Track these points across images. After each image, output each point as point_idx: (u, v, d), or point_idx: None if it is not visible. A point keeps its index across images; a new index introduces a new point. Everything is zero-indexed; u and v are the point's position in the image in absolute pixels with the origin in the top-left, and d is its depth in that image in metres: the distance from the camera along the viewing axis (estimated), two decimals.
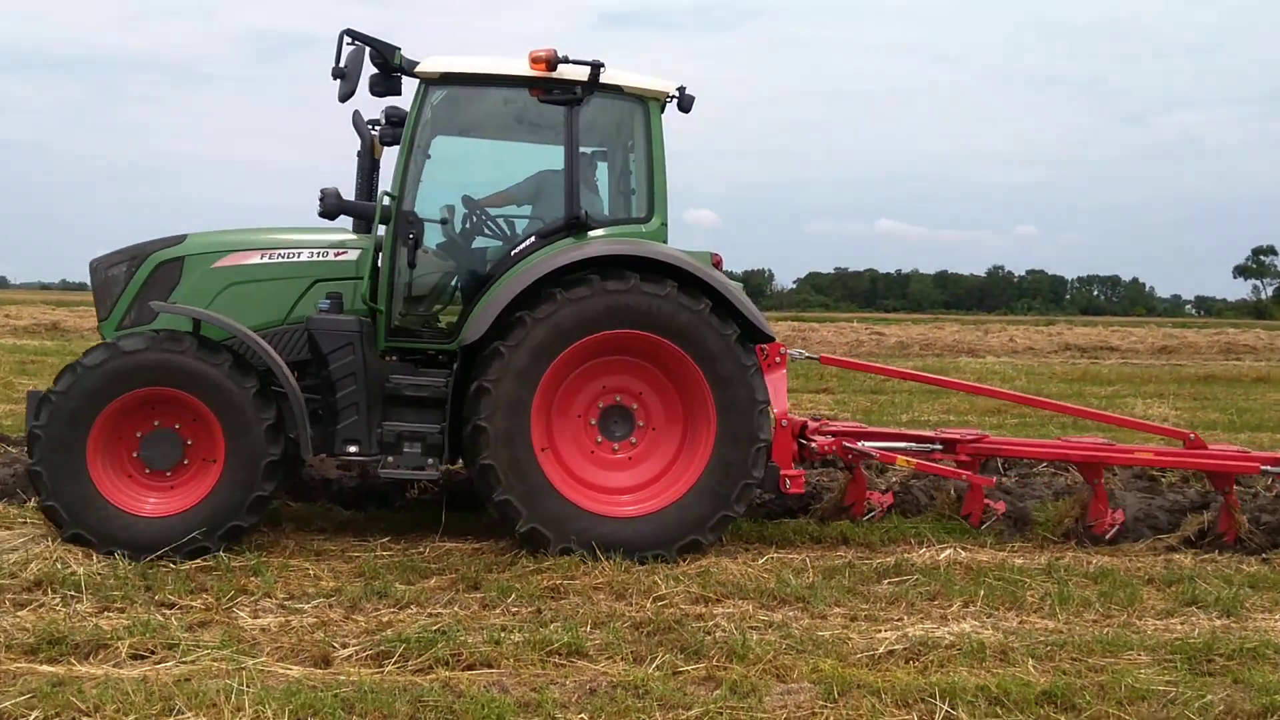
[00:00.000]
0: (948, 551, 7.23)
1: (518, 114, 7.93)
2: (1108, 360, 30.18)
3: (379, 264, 7.44)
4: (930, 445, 8.27)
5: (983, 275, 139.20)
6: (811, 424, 8.34)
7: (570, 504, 7.05)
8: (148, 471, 6.83)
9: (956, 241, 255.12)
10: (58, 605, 5.67)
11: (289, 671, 4.86)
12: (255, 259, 7.69)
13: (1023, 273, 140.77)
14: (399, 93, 7.65)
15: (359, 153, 8.22)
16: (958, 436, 8.25)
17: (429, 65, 7.47)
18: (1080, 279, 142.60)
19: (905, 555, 7.17)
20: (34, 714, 4.22)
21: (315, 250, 7.69)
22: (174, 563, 6.41)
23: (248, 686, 4.54)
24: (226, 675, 4.71)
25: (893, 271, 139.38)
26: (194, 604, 5.78)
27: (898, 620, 5.84)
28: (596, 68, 7.37)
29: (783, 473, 7.55)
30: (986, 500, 8.18)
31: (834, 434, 8.21)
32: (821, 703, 4.67)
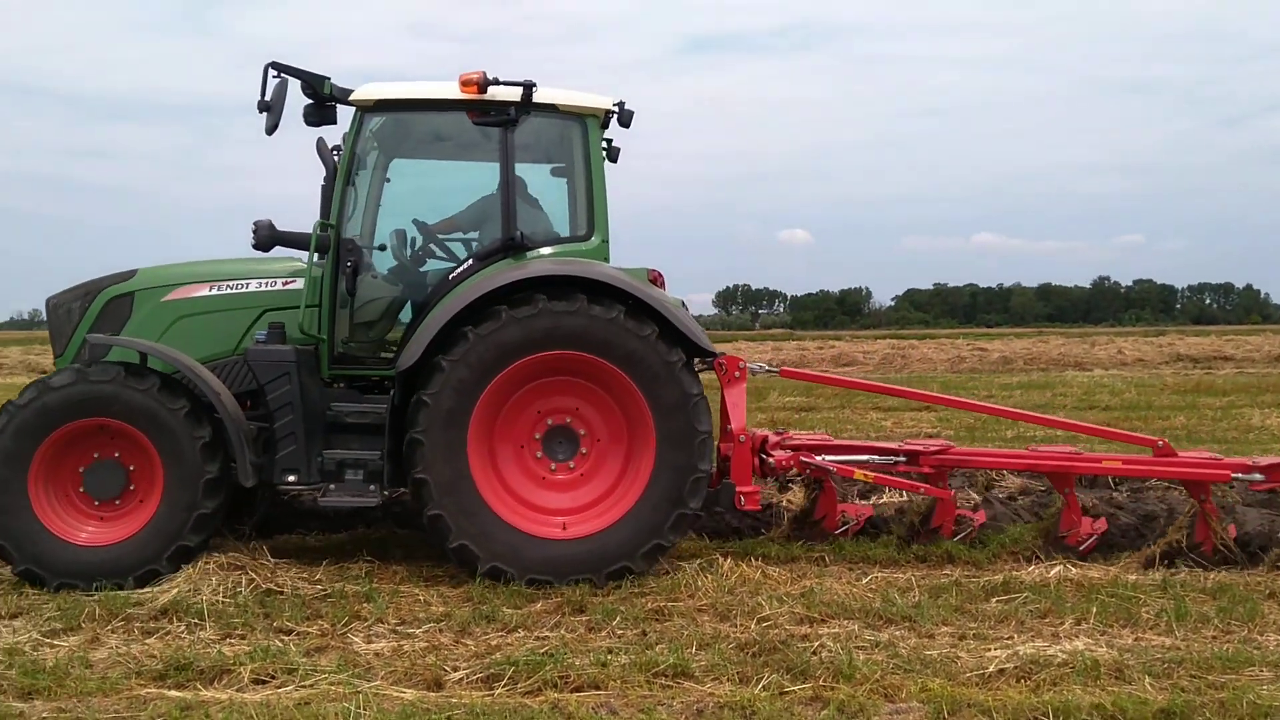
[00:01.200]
0: (1057, 568, 7.09)
1: (457, 137, 7.93)
2: (1222, 370, 29.23)
3: (323, 292, 7.46)
4: (894, 458, 8.10)
5: (1087, 287, 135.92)
6: (773, 437, 8.20)
7: (504, 524, 6.98)
8: (81, 491, 7.02)
9: (1057, 253, 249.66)
10: (183, 632, 5.90)
11: (403, 694, 4.98)
12: (204, 291, 7.79)
13: (1129, 283, 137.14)
14: (334, 121, 7.67)
15: (324, 179, 8.07)
16: (921, 448, 8.08)
17: (363, 93, 7.54)
18: (1191, 287, 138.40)
19: (1013, 573, 7.05)
20: None
21: (264, 280, 7.77)
22: (293, 591, 6.61)
23: (364, 709, 4.67)
24: (344, 699, 4.85)
25: (994, 285, 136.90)
26: (310, 630, 5.95)
27: (1008, 639, 5.75)
28: (529, 88, 7.39)
29: (738, 490, 7.38)
30: (963, 511, 8.06)
31: (793, 448, 8.05)
32: None
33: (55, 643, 5.74)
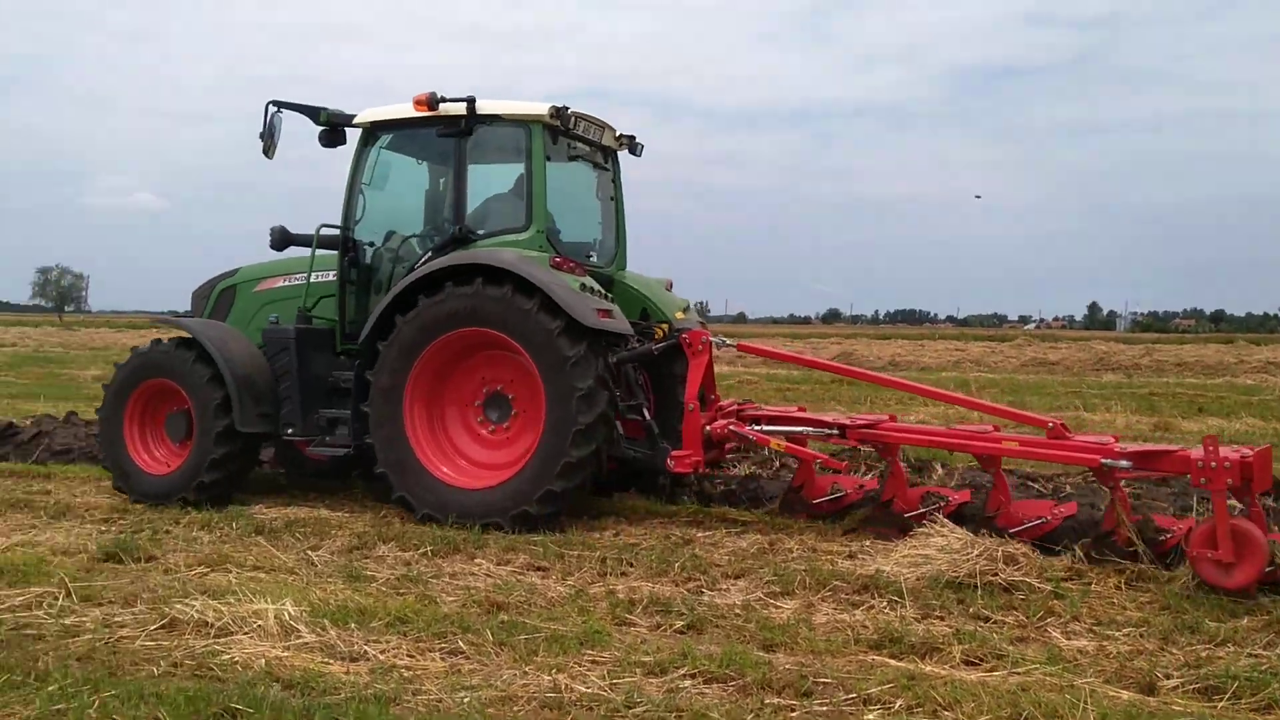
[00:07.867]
0: None
1: (444, 147, 9.11)
2: None
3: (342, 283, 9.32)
4: (828, 430, 8.36)
5: None
6: (729, 408, 8.87)
7: (433, 477, 8.43)
8: (163, 432, 9.52)
9: None
10: (885, 609, 6.36)
11: (1119, 695, 4.97)
12: (280, 283, 9.84)
13: None
14: (344, 142, 9.35)
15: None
16: (848, 422, 8.30)
17: (363, 117, 9.22)
18: None
19: None
20: (899, 702, 4.80)
21: (320, 272, 9.46)
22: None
23: (1087, 704, 4.72)
24: (1059, 690, 4.94)
25: None
26: (1007, 620, 6.13)
27: None
28: (471, 102, 8.71)
29: (671, 453, 8.33)
30: (935, 489, 8.41)
31: (728, 417, 8.67)
32: None
33: (778, 604, 6.48)
